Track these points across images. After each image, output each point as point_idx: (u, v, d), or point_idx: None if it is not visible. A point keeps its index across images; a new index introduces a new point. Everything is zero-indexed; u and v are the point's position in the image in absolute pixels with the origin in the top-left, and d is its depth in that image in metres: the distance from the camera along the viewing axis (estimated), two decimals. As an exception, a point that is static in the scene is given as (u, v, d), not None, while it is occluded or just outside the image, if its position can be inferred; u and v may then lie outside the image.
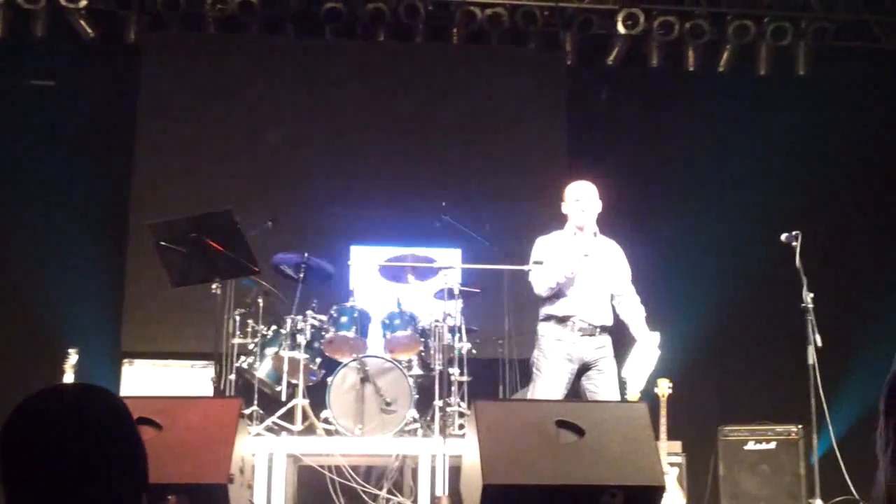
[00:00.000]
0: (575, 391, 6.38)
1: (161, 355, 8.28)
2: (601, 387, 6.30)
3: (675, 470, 7.28)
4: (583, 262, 6.32)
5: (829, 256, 8.81)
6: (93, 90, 9.55)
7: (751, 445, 7.66)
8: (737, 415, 8.11)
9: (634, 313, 6.58)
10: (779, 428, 7.64)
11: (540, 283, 6.41)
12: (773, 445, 7.61)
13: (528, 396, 6.48)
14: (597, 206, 6.50)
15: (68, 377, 6.84)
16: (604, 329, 6.42)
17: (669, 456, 7.04)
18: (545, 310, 6.46)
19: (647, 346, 6.42)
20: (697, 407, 8.70)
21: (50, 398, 2.11)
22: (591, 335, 6.35)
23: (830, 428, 6.11)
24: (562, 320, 6.37)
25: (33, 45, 9.51)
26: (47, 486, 1.96)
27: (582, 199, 6.46)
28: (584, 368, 6.36)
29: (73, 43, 9.63)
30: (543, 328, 6.45)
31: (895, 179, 9.96)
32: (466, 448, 5.36)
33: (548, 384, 6.28)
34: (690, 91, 10.15)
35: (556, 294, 6.39)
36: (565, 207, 6.54)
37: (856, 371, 8.54)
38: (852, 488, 5.88)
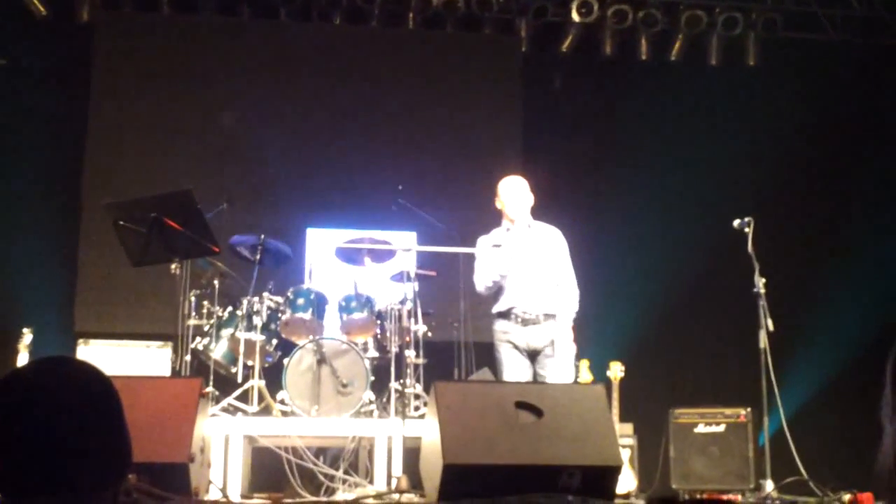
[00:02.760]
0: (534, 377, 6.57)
1: (116, 336, 8.23)
2: (549, 369, 6.51)
3: (627, 452, 7.41)
4: (513, 262, 6.52)
5: (781, 242, 8.97)
6: (45, 69, 9.43)
7: (701, 428, 7.79)
8: (687, 398, 8.24)
9: (563, 308, 6.63)
10: (728, 411, 7.77)
11: (478, 284, 6.69)
12: (722, 428, 7.74)
13: None
14: (528, 199, 6.69)
15: (23, 357, 6.78)
16: (548, 315, 6.57)
17: (621, 438, 7.14)
18: (493, 307, 6.69)
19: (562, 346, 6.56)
20: (649, 390, 8.83)
21: (34, 372, 2.11)
22: (535, 323, 6.55)
23: (781, 410, 6.24)
24: (505, 314, 6.60)
25: (-16, 23, 9.38)
26: (32, 465, 1.94)
27: (512, 194, 6.68)
28: (535, 354, 6.57)
29: (26, 21, 9.49)
30: (495, 324, 6.68)
31: (843, 167, 10.17)
32: (426, 428, 5.41)
33: (510, 374, 6.51)
34: (643, 79, 10.26)
35: (497, 291, 6.61)
36: (498, 203, 6.76)
37: (804, 355, 8.73)
38: (802, 469, 6.01)
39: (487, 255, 6.65)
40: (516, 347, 6.54)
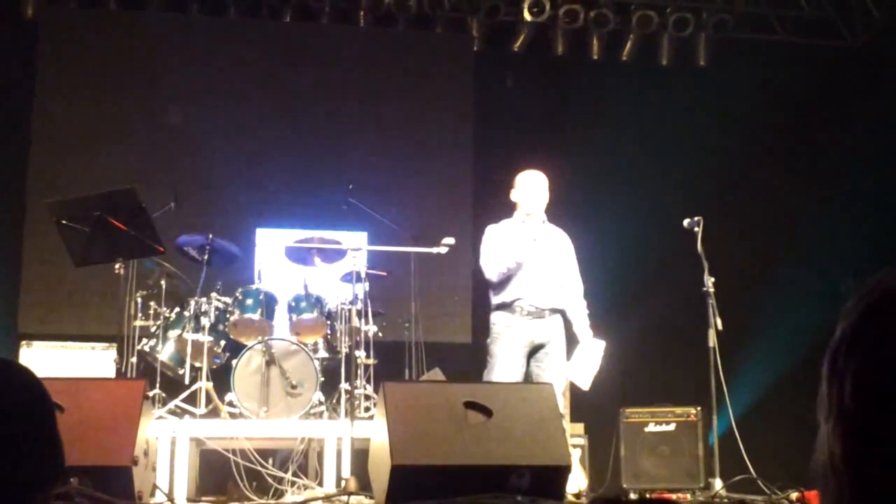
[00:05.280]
0: (526, 374, 6.47)
1: (60, 337, 8.10)
2: (547, 368, 6.44)
3: (578, 451, 7.40)
4: (532, 248, 6.42)
5: (729, 242, 9.01)
6: (-12, 66, 9.26)
7: (651, 427, 7.79)
8: (638, 397, 8.25)
9: (577, 311, 6.66)
10: (678, 410, 7.78)
11: (491, 268, 6.51)
12: (672, 427, 7.75)
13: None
14: (545, 195, 6.67)
15: (-37, 359, 6.63)
16: (554, 311, 6.53)
17: (572, 438, 7.14)
18: (495, 298, 6.57)
19: (591, 349, 6.54)
20: (599, 390, 8.83)
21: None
22: (539, 317, 6.47)
23: (730, 409, 6.27)
24: (509, 306, 6.47)
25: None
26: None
27: (535, 187, 6.64)
28: (535, 350, 6.47)
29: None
30: (494, 316, 6.57)
31: (792, 167, 10.25)
32: (375, 429, 5.36)
33: (502, 369, 6.38)
34: (594, 79, 10.27)
35: (504, 280, 6.48)
36: (515, 195, 6.70)
37: (753, 354, 8.77)
38: (750, 468, 6.04)
39: (499, 242, 6.53)
40: (517, 343, 6.41)
